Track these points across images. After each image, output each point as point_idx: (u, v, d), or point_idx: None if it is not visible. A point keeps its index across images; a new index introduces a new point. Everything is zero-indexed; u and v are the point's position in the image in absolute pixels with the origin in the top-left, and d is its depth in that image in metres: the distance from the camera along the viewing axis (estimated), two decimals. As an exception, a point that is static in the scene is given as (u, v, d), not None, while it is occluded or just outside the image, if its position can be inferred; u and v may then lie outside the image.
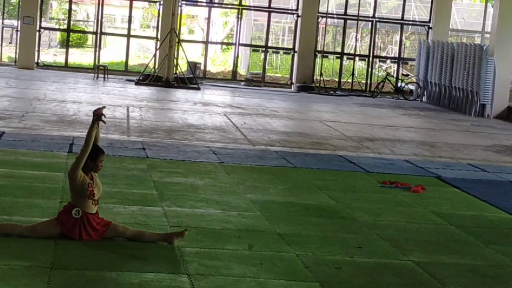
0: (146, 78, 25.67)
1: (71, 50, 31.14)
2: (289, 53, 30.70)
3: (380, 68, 32.10)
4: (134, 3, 30.01)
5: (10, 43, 33.57)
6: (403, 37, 31.76)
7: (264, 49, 30.79)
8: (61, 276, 6.16)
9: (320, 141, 15.44)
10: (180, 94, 23.34)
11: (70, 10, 30.32)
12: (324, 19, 29.65)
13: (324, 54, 29.97)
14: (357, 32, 31.12)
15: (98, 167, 7.31)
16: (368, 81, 30.22)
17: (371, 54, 30.61)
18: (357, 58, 31.42)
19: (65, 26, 32.37)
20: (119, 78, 26.81)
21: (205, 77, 29.09)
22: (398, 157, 14.25)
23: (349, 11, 30.57)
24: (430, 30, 29.64)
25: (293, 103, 23.79)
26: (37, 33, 27.91)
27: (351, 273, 6.88)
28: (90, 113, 16.72)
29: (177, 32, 26.65)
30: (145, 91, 23.41)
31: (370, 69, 30.51)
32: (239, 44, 30.66)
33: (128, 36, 29.56)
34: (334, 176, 11.64)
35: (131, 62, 30.56)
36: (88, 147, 7.18)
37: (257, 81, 29.44)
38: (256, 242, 7.59)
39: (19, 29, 27.69)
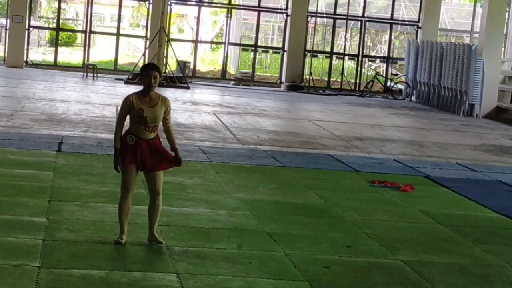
0: (136, 77, 25.63)
1: (60, 48, 31.06)
2: (278, 52, 30.72)
3: (369, 68, 32.15)
4: (124, 2, 29.95)
5: (-1, 41, 33.49)
6: (392, 37, 31.81)
7: (253, 48, 30.79)
8: (50, 275, 6.15)
9: (309, 140, 15.45)
10: (170, 93, 23.31)
11: (59, 8, 30.25)
12: (314, 18, 29.67)
13: (314, 54, 29.99)
14: (346, 32, 31.15)
15: (147, 82, 7.05)
16: (358, 81, 30.26)
17: (360, 54, 30.64)
18: (346, 58, 31.45)
19: (54, 25, 32.29)
20: (108, 77, 26.77)
21: (194, 76, 29.09)
22: (387, 156, 14.27)
23: (338, 11, 30.59)
24: (419, 29, 29.71)
25: (283, 102, 23.79)
26: (26, 32, 27.84)
27: (340, 272, 6.89)
28: (79, 111, 16.80)
29: (166, 31, 26.63)
30: (135, 90, 23.32)
31: (359, 69, 30.55)
32: (229, 43, 30.65)
33: (118, 35, 29.52)
34: (323, 175, 11.65)
35: (120, 61, 30.51)
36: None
37: (246, 80, 29.44)
38: (245, 241, 7.59)
39: (8, 27, 27.62)
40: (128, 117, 7.07)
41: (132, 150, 6.99)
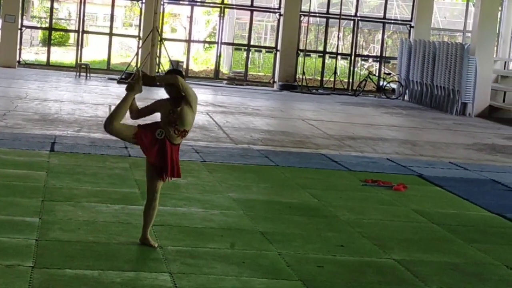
0: (128, 77, 25.59)
1: (53, 48, 31.00)
2: (271, 52, 30.71)
3: (362, 67, 32.17)
4: (116, 1, 29.91)
5: (-8, 41, 33.33)
6: (385, 36, 31.83)
7: (246, 47, 30.79)
8: (43, 275, 6.14)
9: (303, 140, 15.45)
10: (163, 92, 23.24)
11: (52, 8, 30.20)
12: (307, 18, 29.67)
13: (307, 53, 29.99)
14: (339, 31, 31.16)
15: (167, 90, 7.08)
16: (350, 80, 30.28)
17: (353, 53, 30.66)
18: (339, 57, 31.44)
19: (47, 25, 32.22)
20: (101, 76, 26.74)
21: (187, 76, 29.05)
22: (380, 155, 14.28)
23: (331, 10, 30.60)
24: (412, 29, 29.72)
25: (276, 101, 23.80)
26: (19, 32, 27.80)
27: (333, 272, 6.89)
28: (72, 111, 16.77)
29: (159, 30, 26.61)
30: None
31: (352, 68, 30.57)
32: (222, 43, 30.64)
33: (110, 34, 29.49)
34: (317, 175, 11.65)
35: (113, 61, 30.47)
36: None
37: (239, 80, 29.43)
38: (238, 241, 7.59)
39: (0, 27, 27.55)
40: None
41: (156, 141, 6.96)
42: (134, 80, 7.13)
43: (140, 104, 7.32)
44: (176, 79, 6.99)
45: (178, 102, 7.00)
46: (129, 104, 7.05)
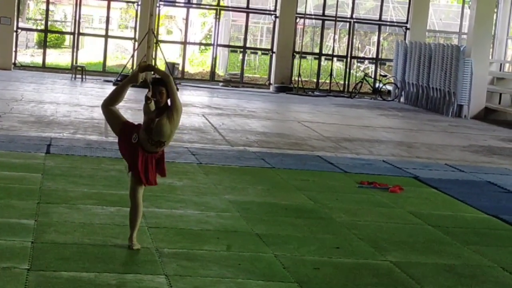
0: (124, 79, 25.58)
1: (48, 50, 30.98)
2: (267, 54, 30.71)
3: (358, 69, 32.18)
4: (112, 3, 29.92)
5: (-13, 43, 33.27)
6: (381, 38, 31.85)
7: (242, 49, 30.79)
8: (39, 278, 6.13)
9: (298, 142, 15.45)
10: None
11: (47, 10, 30.17)
12: (302, 19, 29.68)
13: (302, 55, 30.00)
14: (335, 33, 31.18)
15: (158, 96, 6.93)
16: (346, 82, 30.28)
17: (349, 55, 30.67)
18: (335, 59, 31.46)
19: (42, 27, 32.19)
20: (97, 78, 26.73)
21: (183, 78, 29.06)
22: (376, 157, 14.29)
23: (327, 12, 30.62)
24: (407, 31, 29.77)
25: (271, 103, 23.80)
26: (14, 34, 27.78)
27: (329, 274, 6.89)
28: (67, 113, 16.75)
29: (155, 32, 26.60)
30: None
31: (348, 70, 30.57)
32: (217, 45, 30.63)
33: (106, 36, 29.47)
34: (312, 177, 11.65)
35: (109, 63, 30.44)
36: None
37: (235, 82, 29.44)
38: (234, 243, 7.59)
39: (-4, 29, 27.54)
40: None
41: (130, 143, 6.98)
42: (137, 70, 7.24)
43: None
44: (169, 76, 7.00)
45: (161, 112, 6.92)
46: (126, 91, 7.25)
